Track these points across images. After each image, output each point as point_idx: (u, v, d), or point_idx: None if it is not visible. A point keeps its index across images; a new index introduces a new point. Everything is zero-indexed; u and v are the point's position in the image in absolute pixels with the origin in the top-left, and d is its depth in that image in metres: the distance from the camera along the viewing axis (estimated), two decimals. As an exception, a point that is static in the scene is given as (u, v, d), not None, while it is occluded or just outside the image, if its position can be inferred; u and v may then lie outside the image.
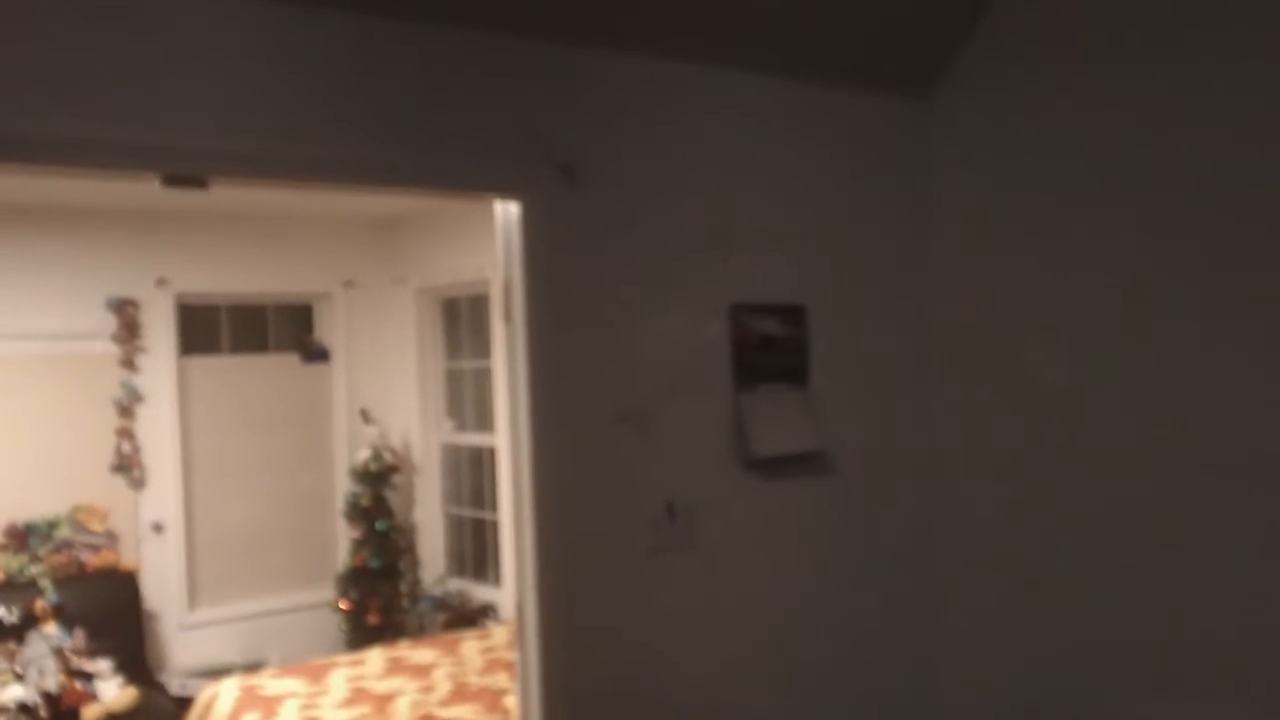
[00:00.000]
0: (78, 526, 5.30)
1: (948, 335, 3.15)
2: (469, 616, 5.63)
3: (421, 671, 4.59)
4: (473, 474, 6.07)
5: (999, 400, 3.02)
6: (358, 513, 5.81)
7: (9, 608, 4.78)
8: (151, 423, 5.54)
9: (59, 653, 4.72)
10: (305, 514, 6.09)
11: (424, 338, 6.18)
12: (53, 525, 5.23)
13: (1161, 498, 2.62)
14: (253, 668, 5.40)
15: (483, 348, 5.82)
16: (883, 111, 3.11)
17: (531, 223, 2.51)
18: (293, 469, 6.07)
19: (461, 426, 6.11)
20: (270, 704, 4.28)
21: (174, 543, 5.60)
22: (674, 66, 2.71)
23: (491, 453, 5.76)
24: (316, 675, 4.61)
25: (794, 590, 2.92)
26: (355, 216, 6.15)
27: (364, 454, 5.90)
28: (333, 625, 5.90)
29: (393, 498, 5.94)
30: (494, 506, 5.76)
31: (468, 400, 6.09)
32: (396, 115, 2.34)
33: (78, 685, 4.67)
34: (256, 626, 5.84)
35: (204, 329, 5.86)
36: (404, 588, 5.93)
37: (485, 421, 5.85)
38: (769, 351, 2.86)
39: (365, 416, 6.04)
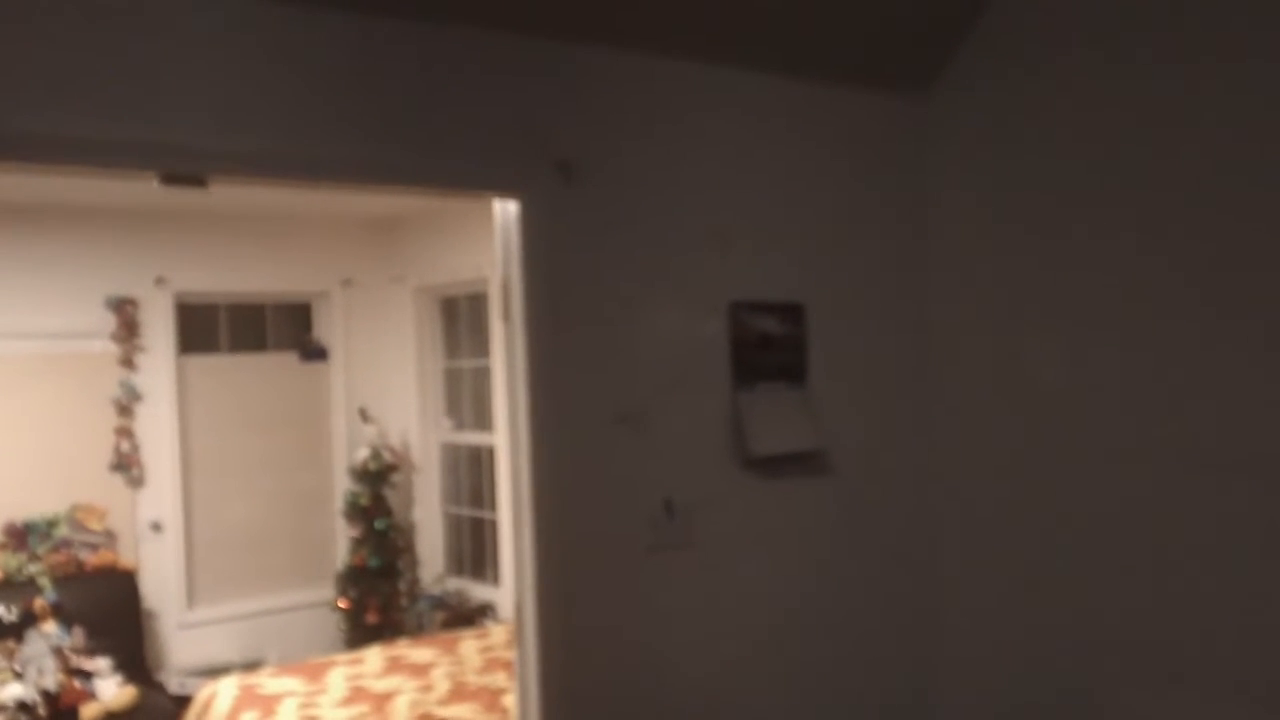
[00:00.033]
0: (77, 525, 5.29)
1: (947, 335, 3.15)
2: (468, 615, 5.63)
3: (420, 670, 4.59)
4: (471, 473, 6.06)
5: (999, 400, 3.01)
6: (356, 512, 5.81)
7: (8, 606, 4.77)
8: (150, 422, 5.54)
9: (58, 651, 4.71)
10: (304, 513, 6.08)
11: (423, 336, 6.17)
12: (52, 524, 5.23)
13: (1161, 498, 2.62)
14: (251, 666, 5.40)
15: (481, 346, 5.82)
16: (882, 110, 3.11)
17: (530, 221, 2.50)
18: (291, 468, 6.06)
19: (460, 425, 6.11)
20: (269, 703, 4.28)
21: (173, 541, 5.60)
22: (674, 64, 2.71)
23: (490, 452, 5.75)
24: (315, 674, 4.61)
25: (794, 590, 2.92)
26: (354, 216, 6.15)
27: (363, 453, 5.90)
28: (331, 624, 5.90)
29: (391, 497, 5.94)
30: (493, 505, 5.76)
31: (466, 399, 6.09)
32: (396, 114, 2.34)
33: (76, 684, 4.67)
34: (255, 625, 5.83)
35: (203, 328, 5.86)
36: (403, 587, 5.93)
37: (484, 420, 5.85)
38: (768, 350, 2.86)
39: (364, 415, 6.04)
